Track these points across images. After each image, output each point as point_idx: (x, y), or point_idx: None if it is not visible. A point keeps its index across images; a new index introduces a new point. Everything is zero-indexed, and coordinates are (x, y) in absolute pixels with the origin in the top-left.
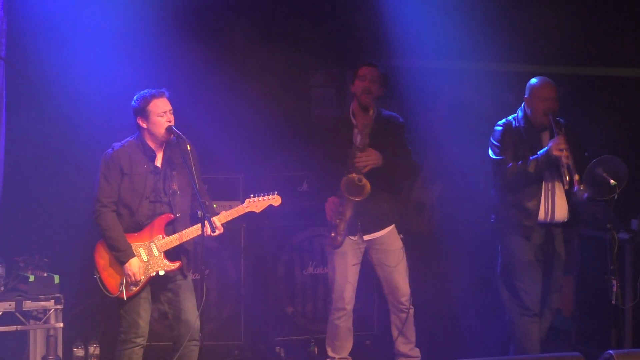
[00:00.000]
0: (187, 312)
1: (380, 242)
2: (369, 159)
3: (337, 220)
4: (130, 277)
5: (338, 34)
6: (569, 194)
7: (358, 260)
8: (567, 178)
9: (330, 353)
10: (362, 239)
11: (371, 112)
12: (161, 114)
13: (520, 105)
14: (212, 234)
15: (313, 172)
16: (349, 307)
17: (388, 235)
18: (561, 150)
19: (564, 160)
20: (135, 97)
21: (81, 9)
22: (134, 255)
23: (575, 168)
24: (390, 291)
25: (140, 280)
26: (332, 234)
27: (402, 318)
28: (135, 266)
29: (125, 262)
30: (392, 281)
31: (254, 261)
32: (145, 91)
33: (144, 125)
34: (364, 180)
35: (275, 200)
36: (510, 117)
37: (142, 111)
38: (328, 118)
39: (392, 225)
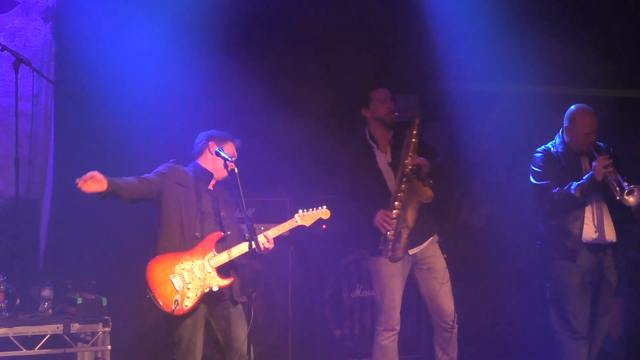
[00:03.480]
0: (239, 340)
1: (426, 262)
2: (421, 160)
3: (401, 229)
4: None
5: (386, 58)
6: (615, 216)
7: (404, 280)
8: (618, 188)
9: None
10: (408, 253)
11: (418, 121)
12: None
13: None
14: (263, 252)
15: (341, 200)
16: (398, 327)
17: (433, 254)
18: (605, 167)
19: (610, 176)
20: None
21: (128, 32)
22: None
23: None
24: (434, 311)
25: None
26: (397, 246)
27: (445, 337)
28: None
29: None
30: (437, 301)
31: (301, 284)
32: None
33: (209, 158)
34: (430, 182)
35: (324, 213)
36: (548, 144)
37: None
38: (348, 149)
39: (435, 236)
